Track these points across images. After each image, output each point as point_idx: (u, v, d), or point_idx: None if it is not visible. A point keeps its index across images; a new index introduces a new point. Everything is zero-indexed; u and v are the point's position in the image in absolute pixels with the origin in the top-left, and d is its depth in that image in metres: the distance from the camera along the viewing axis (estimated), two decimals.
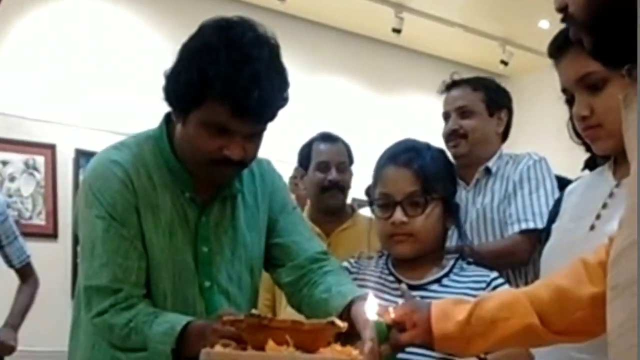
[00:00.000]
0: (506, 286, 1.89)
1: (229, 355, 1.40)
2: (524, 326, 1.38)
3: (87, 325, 1.85)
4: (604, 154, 1.66)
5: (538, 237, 2.33)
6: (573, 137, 2.08)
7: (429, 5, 7.04)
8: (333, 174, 3.11)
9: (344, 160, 3.16)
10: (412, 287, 1.86)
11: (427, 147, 2.01)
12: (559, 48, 1.66)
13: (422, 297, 1.77)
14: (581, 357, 1.50)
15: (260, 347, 1.37)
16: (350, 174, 3.21)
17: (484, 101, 2.79)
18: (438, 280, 1.90)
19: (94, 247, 1.76)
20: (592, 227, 1.63)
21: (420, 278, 1.91)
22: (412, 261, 1.92)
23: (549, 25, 7.22)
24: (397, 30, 7.06)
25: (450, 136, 2.76)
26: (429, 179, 1.89)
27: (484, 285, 1.86)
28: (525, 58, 7.73)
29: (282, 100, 1.75)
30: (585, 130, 1.64)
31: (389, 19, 7.01)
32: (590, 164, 2.29)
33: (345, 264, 2.05)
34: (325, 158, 3.12)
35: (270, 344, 1.35)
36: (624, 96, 1.15)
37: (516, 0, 6.88)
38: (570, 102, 1.77)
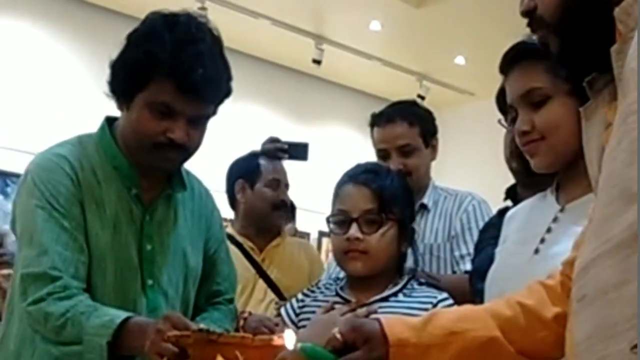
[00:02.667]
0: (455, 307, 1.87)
1: None
2: (486, 339, 1.31)
3: (19, 324, 1.77)
4: (542, 170, 1.67)
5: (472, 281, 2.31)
6: (509, 159, 2.10)
7: (348, 38, 7.12)
8: (285, 194, 3.08)
9: (288, 181, 3.14)
10: (359, 305, 1.87)
11: (387, 170, 2.06)
12: (508, 63, 1.68)
13: (367, 315, 1.76)
14: None
15: None
16: None
17: (420, 135, 2.75)
18: (385, 299, 1.89)
19: (33, 236, 1.71)
20: (537, 251, 1.62)
21: (370, 297, 1.90)
22: (365, 280, 1.91)
23: (465, 61, 7.41)
24: (317, 62, 7.11)
25: None
26: (387, 199, 1.90)
27: (429, 305, 1.84)
28: (442, 93, 7.89)
29: (227, 87, 1.80)
30: (526, 145, 1.65)
31: (310, 49, 7.05)
32: (511, 194, 2.31)
33: (300, 295, 2.06)
34: (277, 176, 3.08)
35: (219, 359, 1.30)
36: (584, 109, 1.14)
37: (433, 36, 7.01)
38: (513, 121, 1.79)
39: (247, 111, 7.02)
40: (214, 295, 2.02)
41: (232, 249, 2.94)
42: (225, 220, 3.05)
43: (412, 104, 2.89)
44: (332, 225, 1.94)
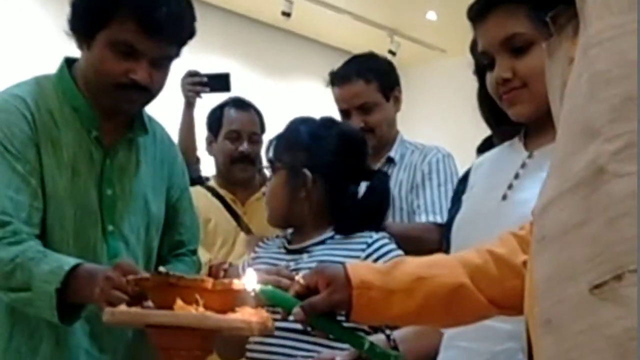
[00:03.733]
0: (392, 246, 1.86)
1: (136, 314, 1.30)
2: (454, 286, 1.27)
3: None
4: (521, 120, 1.62)
5: (443, 232, 2.29)
6: (484, 108, 2.05)
7: None
8: (244, 145, 2.95)
9: (256, 130, 3.01)
10: (295, 251, 1.93)
11: (303, 120, 2.04)
12: (483, 9, 1.61)
13: (304, 259, 1.86)
14: (499, 325, 1.44)
15: (168, 307, 1.27)
16: (261, 144, 3.07)
17: (379, 90, 2.71)
18: (322, 242, 1.91)
19: None
20: (504, 197, 1.59)
21: (306, 242, 1.93)
22: (297, 230, 1.98)
23: (437, 17, 7.36)
24: (286, 14, 7.01)
25: None
26: (277, 148, 1.99)
27: (364, 245, 1.84)
28: (413, 49, 7.85)
29: (190, 27, 1.77)
30: (506, 93, 1.59)
31: (279, 1, 6.94)
32: (486, 146, 2.28)
33: (256, 247, 2.08)
34: (237, 127, 2.96)
35: (179, 303, 1.26)
36: (548, 45, 1.09)
37: None
38: (481, 71, 1.73)
39: (215, 64, 6.89)
40: (177, 246, 1.98)
41: (214, 201, 2.89)
42: None
43: (368, 57, 2.83)
44: None
